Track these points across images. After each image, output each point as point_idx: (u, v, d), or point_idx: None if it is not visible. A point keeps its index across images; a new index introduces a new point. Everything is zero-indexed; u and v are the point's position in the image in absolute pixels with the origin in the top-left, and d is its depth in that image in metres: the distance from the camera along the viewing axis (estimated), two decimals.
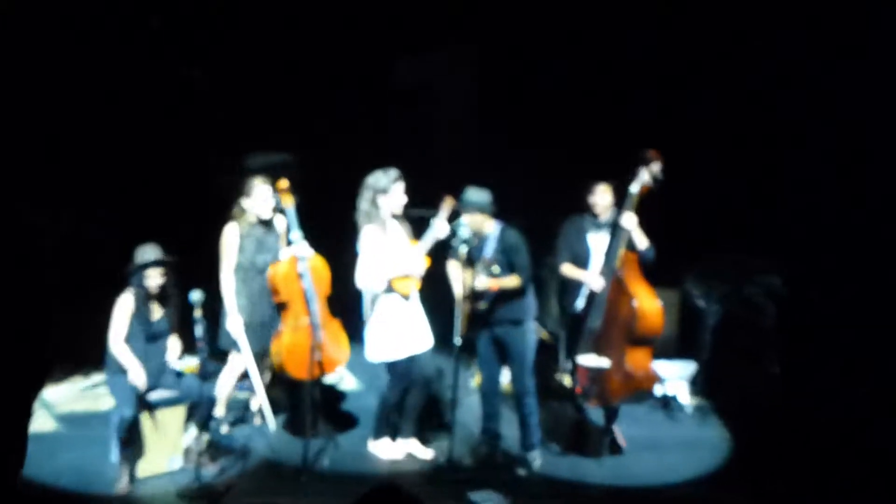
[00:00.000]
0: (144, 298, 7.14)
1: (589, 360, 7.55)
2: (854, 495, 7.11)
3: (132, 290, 7.13)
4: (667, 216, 8.46)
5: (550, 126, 10.87)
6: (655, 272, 7.62)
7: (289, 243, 7.69)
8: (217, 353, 7.88)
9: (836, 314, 9.24)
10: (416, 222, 7.60)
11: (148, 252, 7.11)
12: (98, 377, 8.89)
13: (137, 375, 7.01)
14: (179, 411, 7.33)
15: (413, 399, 7.67)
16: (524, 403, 7.58)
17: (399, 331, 7.45)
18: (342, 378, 9.57)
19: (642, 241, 7.48)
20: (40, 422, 8.01)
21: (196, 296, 6.85)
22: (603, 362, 7.50)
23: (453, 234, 7.29)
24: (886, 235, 9.27)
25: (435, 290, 7.74)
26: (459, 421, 7.69)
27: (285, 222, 7.72)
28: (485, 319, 7.53)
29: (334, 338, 7.75)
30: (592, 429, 8.12)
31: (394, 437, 7.75)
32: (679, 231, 9.43)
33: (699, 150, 10.20)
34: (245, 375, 8.01)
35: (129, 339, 7.11)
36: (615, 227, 7.51)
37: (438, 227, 7.39)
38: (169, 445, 7.29)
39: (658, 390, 8.85)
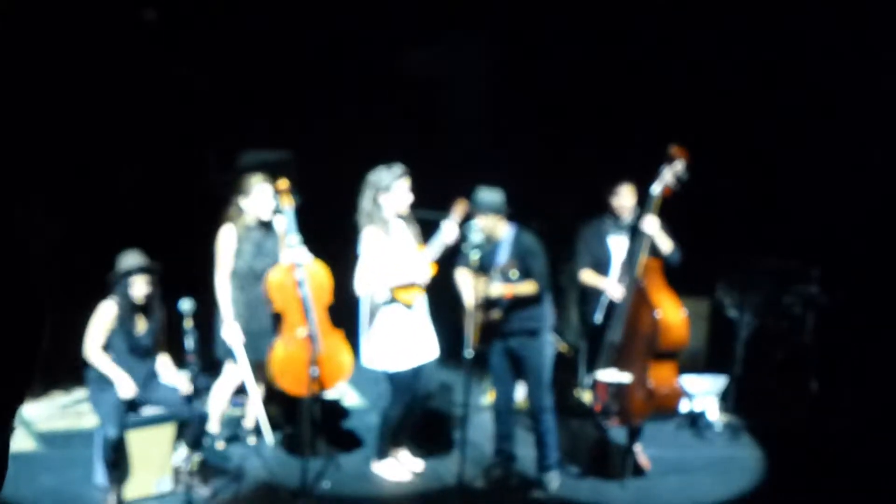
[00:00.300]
0: (128, 309, 7.05)
1: (609, 375, 7.53)
2: None
3: (115, 299, 7.04)
4: (696, 219, 8.48)
5: (569, 123, 10.89)
6: (684, 280, 7.62)
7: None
8: (209, 366, 7.90)
9: (878, 327, 9.23)
10: (426, 225, 7.58)
11: (132, 258, 7.02)
12: (80, 393, 8.80)
13: (124, 385, 6.96)
14: (168, 429, 7.28)
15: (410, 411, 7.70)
16: (541, 420, 7.57)
17: (402, 340, 7.41)
18: (344, 394, 9.57)
19: (666, 245, 7.46)
20: (18, 441, 8.02)
21: (186, 305, 6.83)
22: (624, 378, 7.47)
23: (464, 238, 7.20)
24: None
25: (442, 299, 7.75)
26: (470, 441, 7.70)
27: (286, 224, 7.60)
28: (498, 330, 7.50)
29: (335, 351, 7.68)
30: (614, 449, 8.12)
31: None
32: (710, 235, 9.45)
33: (733, 146, 10.21)
34: (240, 390, 8.02)
35: (111, 353, 7.05)
36: (635, 232, 7.51)
37: (448, 231, 7.31)
38: (157, 466, 7.24)
39: (685, 407, 8.85)
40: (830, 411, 9.08)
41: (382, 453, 7.76)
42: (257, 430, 8.21)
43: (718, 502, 7.55)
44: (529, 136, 11.04)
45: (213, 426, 7.96)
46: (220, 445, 8.05)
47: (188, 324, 6.82)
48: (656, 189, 7.35)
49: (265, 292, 7.67)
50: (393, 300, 7.38)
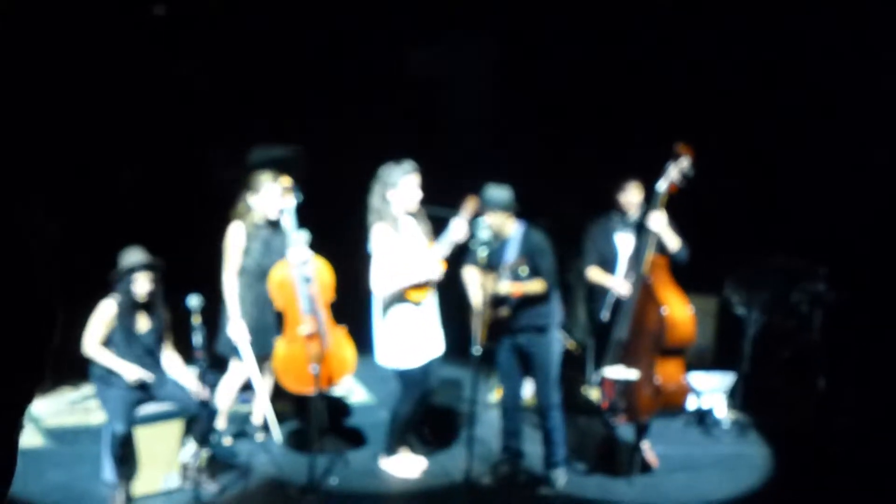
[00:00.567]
0: (130, 306, 7.00)
1: (616, 372, 7.52)
2: None
3: (116, 297, 6.99)
4: (705, 217, 8.47)
5: (570, 122, 10.89)
6: (691, 278, 7.61)
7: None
8: (217, 362, 7.90)
9: (885, 325, 9.22)
10: (435, 222, 7.56)
11: (135, 255, 6.97)
12: (88, 389, 8.75)
13: (129, 372, 6.94)
14: (176, 425, 7.27)
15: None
16: (549, 417, 7.56)
17: (414, 337, 7.40)
18: (351, 391, 9.59)
19: (673, 242, 7.44)
20: (27, 437, 8.02)
21: (194, 301, 6.83)
22: (631, 374, 7.46)
23: (472, 236, 7.18)
24: None
25: (450, 296, 7.74)
26: (478, 437, 7.70)
27: (293, 221, 7.57)
28: (506, 327, 7.50)
29: (337, 348, 7.66)
30: (621, 446, 8.12)
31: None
32: (718, 233, 9.45)
33: (741, 142, 10.20)
34: (248, 386, 8.03)
35: (113, 351, 7.01)
36: (641, 229, 7.51)
37: (457, 229, 7.27)
38: (165, 462, 7.24)
39: (693, 404, 8.86)
40: (837, 409, 9.08)
41: (391, 449, 7.76)
42: (265, 427, 8.21)
43: (726, 499, 7.53)
44: (530, 136, 11.04)
45: (220, 423, 7.96)
46: (227, 441, 8.05)
47: (196, 320, 6.82)
48: (662, 186, 7.33)
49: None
50: (403, 297, 7.36)
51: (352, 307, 7.97)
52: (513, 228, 7.40)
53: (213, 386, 7.82)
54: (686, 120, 9.59)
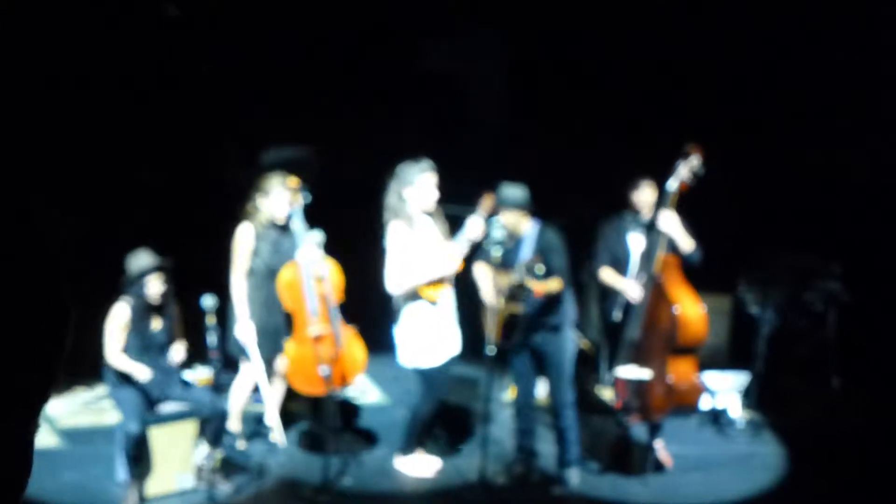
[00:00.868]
0: (143, 309, 7.01)
1: (628, 371, 7.51)
2: None
3: (128, 300, 7.00)
4: (717, 214, 8.44)
5: (590, 119, 10.87)
6: (705, 277, 7.58)
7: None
8: (232, 363, 7.90)
9: None
10: (453, 221, 7.53)
11: (145, 258, 6.98)
12: (102, 389, 8.71)
13: (140, 372, 6.95)
14: (189, 426, 7.26)
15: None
16: (562, 416, 7.53)
17: (434, 336, 7.36)
18: (365, 391, 9.58)
19: (686, 243, 7.36)
20: (41, 437, 7.99)
21: (208, 301, 6.84)
22: (643, 374, 7.45)
23: (487, 234, 7.16)
24: None
25: (464, 295, 7.72)
26: (492, 437, 7.69)
27: (302, 223, 7.56)
28: (520, 326, 7.47)
29: (349, 348, 7.63)
30: (635, 445, 8.10)
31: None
32: (732, 232, 9.42)
33: (755, 140, 10.17)
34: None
35: (127, 353, 7.02)
36: (652, 229, 7.47)
37: (473, 227, 7.23)
38: (178, 462, 7.23)
39: (708, 404, 8.83)
40: (852, 408, 9.05)
41: (408, 448, 7.75)
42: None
43: (740, 499, 7.51)
44: (542, 137, 11.03)
45: (234, 424, 7.96)
46: (240, 445, 8.01)
47: (210, 320, 6.82)
48: (672, 185, 7.29)
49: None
50: (418, 296, 7.33)
51: (363, 307, 7.95)
52: (527, 227, 7.38)
53: (227, 386, 7.83)
54: (701, 119, 9.57)
